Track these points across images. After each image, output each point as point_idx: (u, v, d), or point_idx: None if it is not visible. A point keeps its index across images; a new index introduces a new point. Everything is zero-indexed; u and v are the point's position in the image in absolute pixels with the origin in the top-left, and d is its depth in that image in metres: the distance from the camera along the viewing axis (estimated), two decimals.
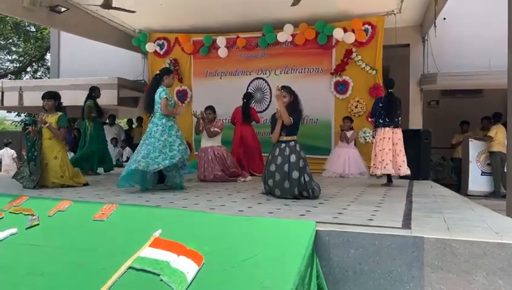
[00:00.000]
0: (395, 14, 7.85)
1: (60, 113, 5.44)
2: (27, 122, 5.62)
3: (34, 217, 3.03)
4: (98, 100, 7.70)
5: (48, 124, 5.23)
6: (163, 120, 4.95)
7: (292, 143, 4.41)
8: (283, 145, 4.42)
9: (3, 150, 11.35)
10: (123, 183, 4.80)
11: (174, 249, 2.45)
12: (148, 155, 4.75)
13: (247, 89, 9.06)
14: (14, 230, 2.90)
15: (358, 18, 8.04)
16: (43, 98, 5.48)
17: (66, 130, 5.55)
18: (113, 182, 5.52)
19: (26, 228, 2.94)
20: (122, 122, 14.51)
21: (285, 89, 4.48)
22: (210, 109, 6.77)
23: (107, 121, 11.12)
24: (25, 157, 5.47)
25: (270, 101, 8.83)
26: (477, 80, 8.39)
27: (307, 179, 4.28)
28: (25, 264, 2.57)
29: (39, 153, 5.21)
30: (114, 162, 9.85)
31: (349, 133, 7.52)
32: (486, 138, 8.05)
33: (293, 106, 4.47)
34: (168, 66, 9.54)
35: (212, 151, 6.46)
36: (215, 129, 6.55)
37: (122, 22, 9.13)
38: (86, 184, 5.54)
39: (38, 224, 2.98)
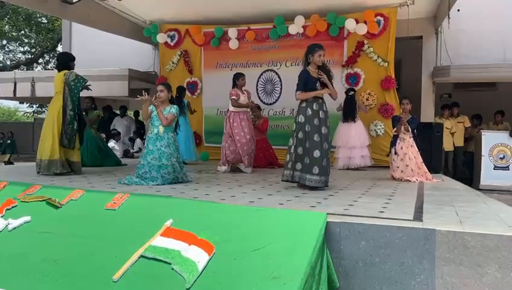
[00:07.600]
0: (408, 6, 7.73)
1: None
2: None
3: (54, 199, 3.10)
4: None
5: None
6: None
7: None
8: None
9: None
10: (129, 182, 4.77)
11: (185, 239, 2.46)
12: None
13: (258, 81, 9.02)
14: (27, 218, 2.94)
15: (370, 9, 7.93)
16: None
17: None
18: (124, 173, 5.56)
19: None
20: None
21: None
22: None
23: (118, 112, 11.20)
24: None
25: (280, 93, 8.80)
26: (491, 72, 8.25)
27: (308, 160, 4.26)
28: (39, 251, 2.61)
29: None
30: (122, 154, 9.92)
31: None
32: None
33: None
34: (178, 57, 9.53)
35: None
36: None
37: (133, 14, 9.14)
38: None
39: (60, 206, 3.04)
